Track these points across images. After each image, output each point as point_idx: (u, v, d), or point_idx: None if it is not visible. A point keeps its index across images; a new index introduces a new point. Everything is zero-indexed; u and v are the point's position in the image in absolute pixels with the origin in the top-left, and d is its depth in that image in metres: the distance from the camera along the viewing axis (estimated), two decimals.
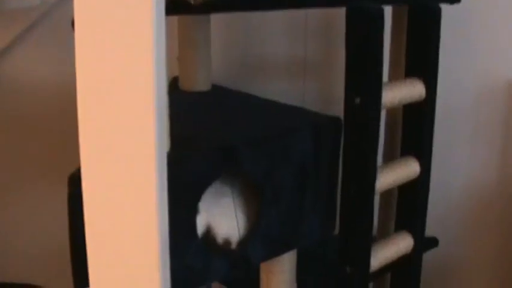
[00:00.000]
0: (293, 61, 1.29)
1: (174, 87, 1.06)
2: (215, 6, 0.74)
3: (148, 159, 0.58)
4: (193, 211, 0.73)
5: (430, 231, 1.06)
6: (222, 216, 0.78)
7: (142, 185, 0.58)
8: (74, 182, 0.63)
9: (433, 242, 1.15)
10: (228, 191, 0.80)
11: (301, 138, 0.82)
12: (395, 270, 1.05)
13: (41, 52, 1.25)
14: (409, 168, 0.98)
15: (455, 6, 1.00)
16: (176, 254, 0.63)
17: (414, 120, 0.98)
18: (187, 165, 0.70)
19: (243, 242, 0.80)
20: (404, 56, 0.97)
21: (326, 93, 1.28)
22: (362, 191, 0.88)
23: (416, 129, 0.98)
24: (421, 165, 0.99)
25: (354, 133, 0.87)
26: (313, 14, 1.25)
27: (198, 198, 0.73)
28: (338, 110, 0.90)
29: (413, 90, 0.94)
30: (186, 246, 0.72)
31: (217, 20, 1.12)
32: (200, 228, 0.75)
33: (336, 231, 0.93)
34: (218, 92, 1.06)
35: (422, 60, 0.96)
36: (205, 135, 0.80)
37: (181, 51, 1.04)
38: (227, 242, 0.79)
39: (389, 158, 1.05)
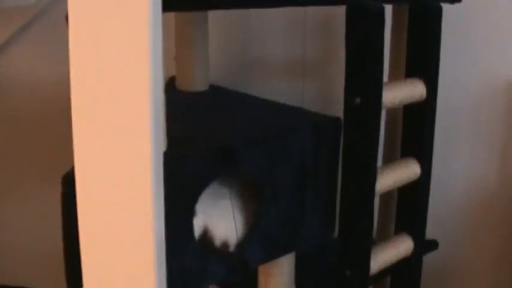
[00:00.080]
0: (292, 61, 1.28)
1: (170, 87, 1.04)
2: (213, 3, 0.72)
3: (144, 159, 0.57)
4: (191, 213, 0.71)
5: (429, 233, 1.05)
6: (220, 218, 0.77)
7: (138, 185, 0.57)
8: (68, 182, 0.62)
9: (433, 245, 1.14)
10: (226, 193, 0.79)
11: (300, 138, 0.81)
12: (395, 273, 1.04)
13: (37, 51, 1.24)
14: (410, 170, 0.97)
15: (456, 6, 0.99)
16: (172, 256, 0.62)
17: (415, 120, 0.97)
18: (184, 165, 0.69)
19: (241, 245, 0.78)
20: (405, 56, 0.96)
21: (325, 93, 1.27)
22: (362, 192, 0.87)
23: (416, 130, 0.97)
24: (422, 166, 0.97)
25: (354, 133, 0.85)
26: (312, 14, 1.24)
27: (195, 200, 0.71)
28: (337, 110, 0.88)
29: (414, 90, 0.93)
30: (183, 248, 0.71)
31: (215, 19, 1.11)
32: (197, 230, 0.74)
33: (335, 233, 0.92)
34: (216, 92, 1.05)
35: (423, 60, 0.94)
36: (202, 135, 0.78)
37: (179, 50, 1.03)
38: (225, 245, 0.77)
39: (389, 159, 1.03)
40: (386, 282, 1.08)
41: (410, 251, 1.00)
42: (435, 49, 0.94)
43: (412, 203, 1.00)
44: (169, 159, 0.60)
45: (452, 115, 1.18)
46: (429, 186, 1.00)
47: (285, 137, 0.79)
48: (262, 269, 0.92)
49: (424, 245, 1.04)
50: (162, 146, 0.60)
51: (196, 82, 1.04)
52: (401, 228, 1.02)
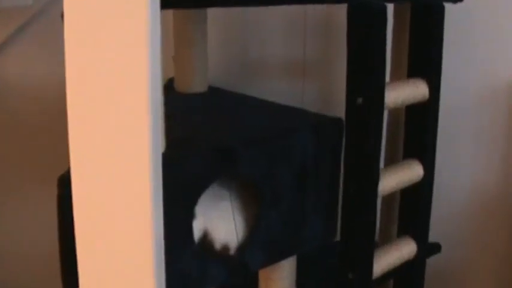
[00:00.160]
0: (292, 61, 1.27)
1: (169, 89, 1.03)
2: (212, 0, 0.71)
3: (143, 160, 0.55)
4: (190, 215, 0.70)
5: (432, 235, 1.04)
6: (220, 221, 0.75)
7: (136, 187, 0.56)
8: (64, 183, 0.60)
9: (435, 248, 1.12)
10: (225, 195, 0.77)
11: (301, 138, 0.79)
12: (398, 277, 1.02)
13: (35, 51, 1.23)
14: (412, 171, 0.95)
15: (457, 6, 0.98)
16: (172, 259, 0.61)
17: (417, 121, 0.96)
18: (183, 166, 0.67)
19: (241, 248, 0.77)
20: (407, 56, 0.95)
21: (326, 94, 1.26)
22: (364, 194, 0.85)
23: (419, 131, 0.96)
24: (425, 168, 0.96)
25: (356, 134, 0.84)
26: (312, 14, 1.23)
27: (194, 202, 0.70)
28: (338, 111, 0.87)
29: (416, 90, 0.92)
30: (182, 251, 0.69)
31: (214, 19, 1.10)
32: (197, 233, 0.72)
33: (337, 236, 0.90)
34: (215, 93, 1.03)
35: (425, 60, 0.93)
36: (202, 136, 0.77)
37: (177, 51, 1.01)
38: (225, 248, 0.76)
39: (391, 161, 1.02)
40: (389, 286, 1.07)
41: (414, 254, 0.99)
42: (438, 49, 0.93)
43: (415, 205, 0.99)
44: (168, 160, 0.58)
45: (453, 116, 1.17)
46: (432, 188, 0.99)
47: (286, 138, 0.78)
48: (262, 274, 0.90)
49: (426, 248, 1.03)
50: (161, 147, 0.58)
51: (195, 83, 1.03)
52: (404, 230, 1.00)
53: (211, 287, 0.76)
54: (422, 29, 0.92)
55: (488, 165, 1.19)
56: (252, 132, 0.79)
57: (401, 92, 0.89)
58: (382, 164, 0.97)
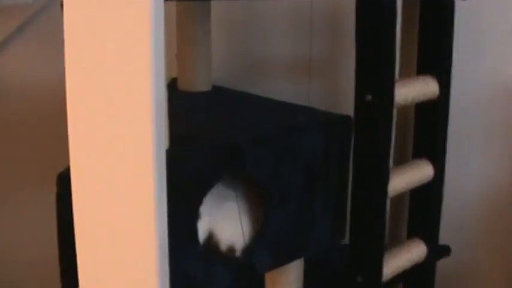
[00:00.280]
0: (298, 60, 1.25)
1: (172, 88, 1.01)
2: None
3: (146, 157, 0.53)
4: (195, 215, 0.68)
5: (441, 237, 1.02)
6: (226, 221, 0.73)
7: (138, 185, 0.54)
8: (63, 181, 0.58)
9: (445, 250, 1.10)
10: (231, 195, 0.75)
11: (309, 137, 0.77)
12: (408, 280, 1.00)
13: (34, 50, 1.22)
14: (422, 171, 0.93)
15: (467, 3, 0.96)
16: (176, 261, 0.58)
17: (427, 120, 0.94)
18: (188, 163, 0.65)
19: (248, 249, 0.74)
20: (416, 53, 0.92)
21: (332, 93, 1.25)
22: (374, 194, 0.83)
23: (429, 129, 0.94)
24: (435, 167, 0.94)
25: (365, 132, 0.82)
26: (319, 11, 1.21)
27: (199, 201, 0.67)
28: (345, 111, 0.86)
29: (426, 88, 0.90)
30: (187, 252, 0.67)
31: (218, 18, 1.08)
32: (202, 234, 0.70)
33: (346, 238, 0.88)
34: (219, 92, 1.01)
35: (435, 56, 0.91)
36: (206, 134, 0.75)
37: (180, 49, 0.99)
38: (231, 249, 0.73)
39: (400, 161, 1.00)
40: None
41: (424, 256, 0.97)
42: (448, 45, 0.91)
43: (425, 206, 0.97)
44: (172, 157, 0.56)
45: (463, 115, 1.15)
46: (442, 189, 0.97)
47: (293, 136, 0.76)
48: (269, 277, 0.88)
49: (436, 251, 1.00)
50: (165, 144, 0.56)
51: (198, 82, 1.01)
52: (414, 232, 0.98)
53: None
54: (432, 25, 0.90)
55: (499, 165, 1.17)
56: (259, 130, 0.77)
57: (411, 89, 0.87)
58: (390, 164, 0.95)
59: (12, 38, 1.21)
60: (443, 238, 1.04)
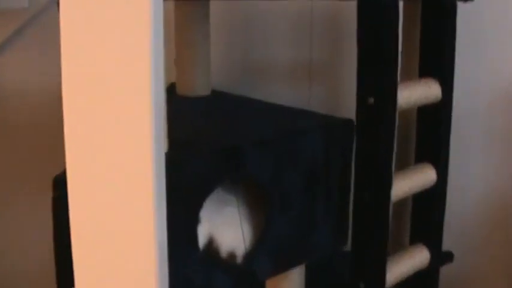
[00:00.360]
0: (298, 64, 1.24)
1: (170, 93, 0.99)
2: None
3: (145, 160, 0.52)
4: (195, 220, 0.66)
5: (443, 243, 1.00)
6: (226, 227, 0.72)
7: (137, 189, 0.52)
8: (59, 185, 0.56)
9: (447, 257, 1.09)
10: (232, 200, 0.74)
11: (310, 140, 0.76)
12: (411, 286, 0.98)
13: (31, 55, 1.22)
14: (425, 176, 0.92)
15: (469, 6, 0.95)
16: (175, 266, 0.57)
17: (430, 123, 0.92)
18: (187, 167, 0.63)
19: (248, 255, 0.73)
20: (418, 55, 0.91)
21: (333, 97, 1.24)
22: (377, 199, 0.82)
23: (432, 133, 0.92)
24: (438, 172, 0.92)
25: (367, 135, 0.80)
26: (319, 15, 1.21)
27: (199, 206, 0.66)
28: (346, 115, 0.85)
29: (428, 91, 0.88)
30: (186, 259, 0.66)
31: (217, 21, 1.07)
32: (202, 240, 0.68)
33: (348, 243, 0.86)
34: (219, 96, 1.00)
35: (437, 59, 0.90)
36: (206, 137, 0.73)
37: (179, 53, 0.98)
38: (231, 255, 0.72)
39: (402, 165, 0.98)
40: None
41: (427, 262, 0.95)
42: (450, 47, 0.90)
43: (428, 212, 0.95)
44: (171, 160, 0.55)
45: (464, 119, 1.14)
46: (446, 193, 0.95)
47: (294, 139, 0.74)
48: (270, 283, 0.86)
49: (439, 257, 0.99)
50: (164, 147, 0.55)
51: (197, 86, 0.99)
52: (417, 238, 0.97)
53: None
54: (433, 27, 0.89)
55: (501, 170, 1.16)
56: (259, 133, 0.76)
57: (414, 92, 0.85)
58: (393, 169, 0.94)
59: (9, 42, 1.20)
60: (445, 245, 1.03)
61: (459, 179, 1.16)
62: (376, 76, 0.78)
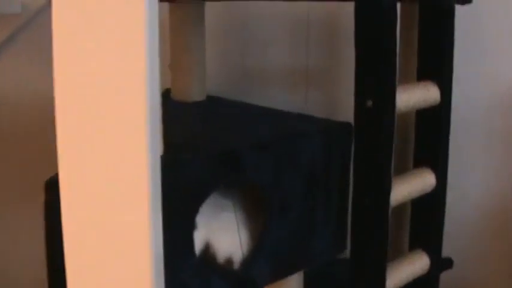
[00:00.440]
0: (294, 69, 1.24)
1: (165, 98, 0.98)
2: None
3: (140, 163, 0.50)
4: (191, 225, 0.64)
5: (443, 249, 0.99)
6: (223, 232, 0.70)
7: (132, 193, 0.51)
8: (52, 188, 0.55)
9: (447, 263, 1.07)
10: (229, 205, 0.72)
11: (309, 144, 0.75)
12: None
13: (24, 60, 1.21)
14: (424, 180, 0.90)
15: (467, 9, 0.94)
16: (171, 273, 0.55)
17: (429, 127, 0.91)
18: (184, 170, 0.62)
19: (246, 261, 0.71)
20: (416, 58, 0.90)
21: (330, 103, 1.23)
22: (376, 203, 0.80)
23: (431, 137, 0.91)
24: (437, 176, 0.91)
25: (366, 139, 0.79)
26: (315, 19, 1.20)
27: (196, 210, 0.64)
28: (343, 120, 0.84)
29: (427, 94, 0.87)
30: (182, 264, 0.64)
31: (213, 26, 1.06)
32: (198, 245, 0.67)
33: (347, 249, 0.85)
34: (214, 101, 0.98)
35: (435, 62, 0.89)
36: (203, 141, 0.72)
37: (174, 57, 0.97)
38: (229, 261, 0.70)
39: (400, 170, 0.97)
40: None
41: (427, 268, 0.94)
42: (448, 50, 0.89)
43: (427, 217, 0.94)
44: (167, 164, 0.53)
45: (463, 123, 1.13)
46: (445, 198, 0.94)
47: (293, 142, 0.73)
48: None
49: (439, 263, 0.97)
50: (159, 150, 0.53)
51: (192, 91, 0.98)
52: (416, 244, 0.95)
53: None
54: (432, 30, 0.88)
55: (501, 173, 1.15)
56: (257, 137, 0.74)
57: (412, 95, 0.84)
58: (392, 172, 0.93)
59: (1, 47, 1.19)
60: (444, 250, 1.02)
61: (458, 183, 1.15)
62: (375, 78, 0.77)
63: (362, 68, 0.78)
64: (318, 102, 1.23)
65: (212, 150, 0.67)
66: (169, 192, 0.52)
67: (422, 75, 0.90)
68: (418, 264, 0.93)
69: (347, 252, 0.86)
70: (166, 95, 0.99)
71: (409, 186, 0.88)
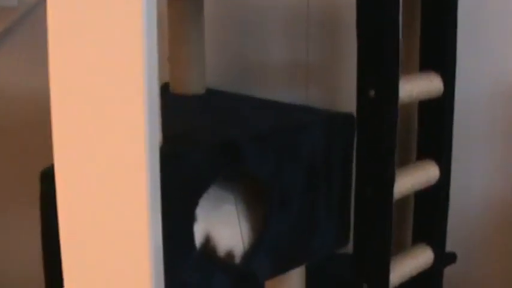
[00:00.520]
0: (295, 64, 1.22)
1: (164, 91, 0.97)
2: None
3: (138, 154, 0.49)
4: (191, 218, 0.63)
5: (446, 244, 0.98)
6: (224, 225, 0.69)
7: (130, 185, 0.50)
8: (47, 178, 0.53)
9: (451, 258, 1.06)
10: (229, 197, 0.71)
11: (311, 134, 0.73)
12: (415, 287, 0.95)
13: (20, 54, 1.20)
14: (428, 172, 0.89)
15: None
16: (171, 267, 0.54)
17: (432, 119, 0.90)
18: (183, 162, 0.61)
19: (247, 255, 0.70)
20: (418, 48, 0.89)
21: (330, 98, 1.22)
22: (379, 195, 0.79)
23: (434, 129, 0.90)
24: (441, 168, 0.90)
25: (368, 130, 0.78)
26: (315, 12, 1.19)
27: (195, 202, 0.63)
28: None
29: (430, 84, 0.86)
30: (182, 258, 0.63)
31: (212, 20, 1.04)
32: (198, 239, 0.65)
33: (350, 242, 0.84)
34: (214, 94, 0.97)
35: (439, 52, 0.88)
36: (203, 133, 0.71)
37: (173, 50, 0.95)
38: (229, 255, 0.69)
39: (403, 162, 0.96)
40: None
41: (430, 262, 0.93)
42: (452, 40, 0.88)
43: (431, 210, 0.93)
44: (166, 155, 0.52)
45: (465, 115, 1.12)
46: (449, 191, 0.93)
47: (294, 133, 0.72)
48: (269, 285, 0.83)
49: (443, 257, 0.96)
50: (158, 141, 0.52)
51: (192, 84, 0.97)
52: (420, 237, 0.94)
53: None
54: (434, 20, 0.87)
55: (505, 168, 1.13)
56: (258, 128, 0.73)
57: (415, 85, 0.83)
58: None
59: None
60: (448, 244, 1.01)
61: (461, 176, 1.13)
62: (378, 67, 0.76)
63: (364, 57, 0.77)
64: (319, 94, 1.22)
65: (212, 142, 0.66)
66: (169, 183, 0.50)
67: (425, 66, 0.89)
68: (421, 258, 0.91)
69: (349, 248, 0.85)
70: (165, 89, 0.98)
71: (412, 179, 0.87)
